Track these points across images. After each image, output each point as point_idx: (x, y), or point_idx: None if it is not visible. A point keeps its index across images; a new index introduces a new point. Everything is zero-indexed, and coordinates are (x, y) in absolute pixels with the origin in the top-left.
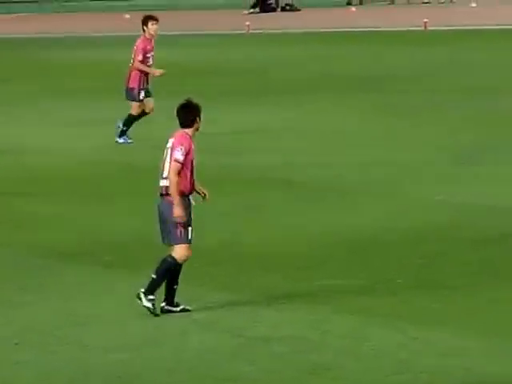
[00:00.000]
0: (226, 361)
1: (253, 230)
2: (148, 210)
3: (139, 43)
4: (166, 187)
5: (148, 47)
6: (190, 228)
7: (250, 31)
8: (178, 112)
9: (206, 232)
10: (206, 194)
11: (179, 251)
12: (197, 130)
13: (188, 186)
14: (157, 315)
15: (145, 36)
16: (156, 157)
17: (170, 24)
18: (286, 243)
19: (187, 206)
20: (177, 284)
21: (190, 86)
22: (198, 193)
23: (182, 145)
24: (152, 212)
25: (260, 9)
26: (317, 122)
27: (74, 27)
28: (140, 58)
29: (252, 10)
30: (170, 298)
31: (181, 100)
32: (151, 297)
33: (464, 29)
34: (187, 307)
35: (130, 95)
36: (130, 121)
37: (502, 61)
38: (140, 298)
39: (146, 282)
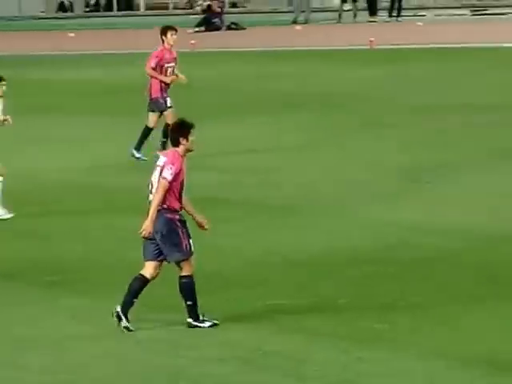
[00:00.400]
0: (168, 381)
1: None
2: (89, 231)
3: (155, 51)
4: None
5: (166, 56)
6: (191, 241)
7: (196, 50)
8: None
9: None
10: (204, 225)
11: (189, 267)
12: (188, 150)
13: (177, 203)
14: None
15: (164, 46)
16: (105, 175)
17: (116, 43)
18: (228, 264)
19: (183, 224)
20: (136, 299)
21: (138, 105)
22: (192, 216)
23: (172, 164)
24: (93, 232)
25: (205, 27)
26: (260, 139)
27: (17, 46)
28: (152, 64)
29: (197, 29)
30: (124, 310)
31: (131, 119)
32: (205, 320)
33: (410, 47)
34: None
35: (156, 105)
36: (146, 134)
37: (449, 79)
38: (193, 326)
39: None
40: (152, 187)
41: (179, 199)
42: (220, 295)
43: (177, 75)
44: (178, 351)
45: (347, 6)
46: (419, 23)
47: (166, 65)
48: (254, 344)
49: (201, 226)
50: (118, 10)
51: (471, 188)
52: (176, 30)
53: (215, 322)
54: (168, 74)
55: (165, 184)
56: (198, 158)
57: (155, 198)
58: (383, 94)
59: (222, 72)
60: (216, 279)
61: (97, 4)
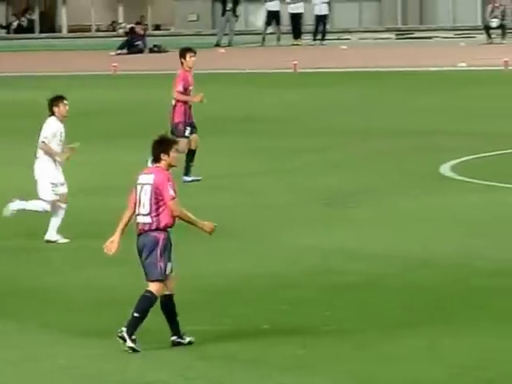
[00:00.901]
0: None
1: (116, 275)
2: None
3: (178, 75)
4: (150, 223)
5: (189, 79)
6: (169, 264)
7: (117, 72)
8: None
9: (68, 277)
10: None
11: (157, 287)
12: (170, 165)
13: (171, 220)
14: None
15: (184, 69)
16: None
17: (37, 65)
18: None
19: (169, 241)
20: (176, 316)
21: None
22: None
23: (169, 181)
24: (16, 255)
25: (127, 50)
26: (182, 162)
27: None
28: (180, 88)
29: (119, 51)
30: (176, 332)
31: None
32: (133, 337)
33: (335, 71)
34: (192, 340)
35: (177, 131)
36: (190, 158)
37: (373, 103)
38: (124, 339)
39: (127, 321)
40: (142, 207)
41: (172, 215)
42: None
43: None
44: (101, 376)
45: (271, 29)
46: (344, 47)
47: (189, 87)
48: (177, 369)
49: (206, 231)
50: (41, 31)
51: (396, 212)
52: (195, 52)
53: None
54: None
55: (177, 202)
56: (122, 181)
57: (183, 216)
58: (306, 117)
59: (144, 95)
60: None
61: (19, 26)
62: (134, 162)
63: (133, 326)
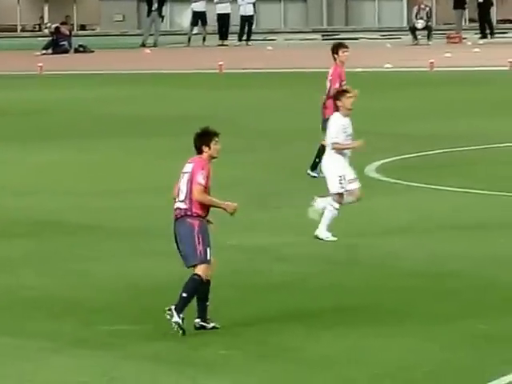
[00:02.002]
0: None
1: (40, 275)
2: None
3: (333, 71)
4: (185, 209)
5: (342, 75)
6: (208, 248)
7: (43, 72)
8: None
9: None
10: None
11: (202, 270)
12: (212, 157)
13: (202, 209)
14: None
15: (336, 64)
16: None
17: None
18: (75, 288)
19: (206, 228)
20: (207, 301)
21: None
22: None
23: (202, 169)
24: None
25: (53, 50)
26: (107, 163)
27: None
28: (337, 85)
29: (44, 52)
30: (202, 315)
31: None
32: (181, 315)
33: (260, 71)
34: (217, 325)
35: None
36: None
37: (299, 104)
38: (171, 315)
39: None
40: (181, 193)
41: (205, 205)
42: (66, 319)
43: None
44: (22, 376)
45: (196, 30)
46: (269, 47)
47: (343, 83)
48: (101, 369)
49: (229, 210)
50: None
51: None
52: (347, 47)
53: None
54: None
55: (201, 189)
56: (46, 180)
57: (204, 201)
58: (231, 118)
59: (69, 95)
60: (61, 303)
61: None
62: (47, 162)
63: (181, 306)
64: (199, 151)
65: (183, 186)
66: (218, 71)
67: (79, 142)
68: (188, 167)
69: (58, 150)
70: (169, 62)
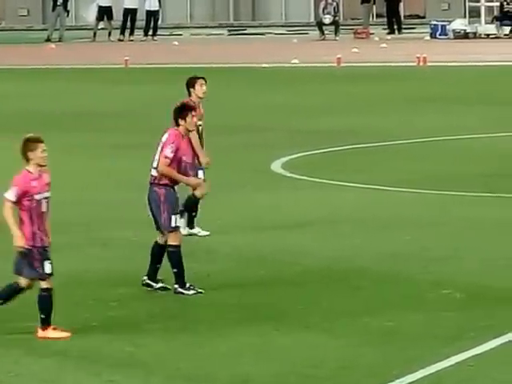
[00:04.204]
0: None
1: None
2: None
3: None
4: (154, 177)
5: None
6: (173, 216)
7: None
8: None
9: None
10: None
11: (172, 238)
12: (187, 130)
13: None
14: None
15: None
16: None
17: None
18: None
19: (172, 197)
20: (160, 263)
21: None
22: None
23: (173, 142)
24: None
25: None
26: (8, 160)
27: None
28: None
29: None
30: (152, 274)
31: None
32: (188, 284)
33: (166, 67)
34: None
35: None
36: None
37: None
38: (183, 293)
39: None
40: (154, 161)
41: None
42: None
43: None
44: None
45: (102, 25)
46: (175, 42)
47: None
48: (6, 366)
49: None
50: None
51: (227, 209)
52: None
53: (200, 290)
54: None
55: (166, 162)
56: None
57: (166, 173)
58: (137, 113)
59: None
60: None
61: None
62: None
63: (181, 280)
64: (176, 124)
65: (157, 154)
66: (123, 66)
67: None
68: (163, 137)
69: None
70: (74, 56)
